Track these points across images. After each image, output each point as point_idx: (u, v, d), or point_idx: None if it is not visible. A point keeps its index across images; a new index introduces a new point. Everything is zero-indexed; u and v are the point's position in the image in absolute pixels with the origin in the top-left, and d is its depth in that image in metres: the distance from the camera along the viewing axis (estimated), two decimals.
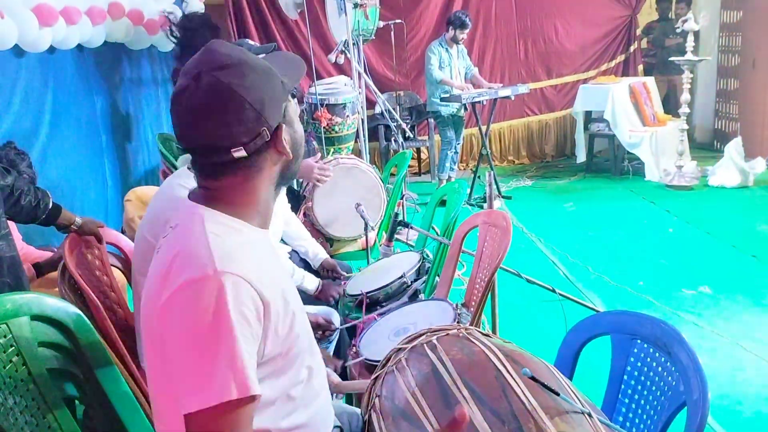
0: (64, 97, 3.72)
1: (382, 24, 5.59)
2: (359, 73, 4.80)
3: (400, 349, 1.51)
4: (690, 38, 5.97)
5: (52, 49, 3.45)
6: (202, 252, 1.09)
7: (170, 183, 1.95)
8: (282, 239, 2.83)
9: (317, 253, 2.88)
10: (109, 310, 1.95)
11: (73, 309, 1.37)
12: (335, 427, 1.47)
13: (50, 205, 2.21)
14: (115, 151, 4.35)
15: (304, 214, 3.33)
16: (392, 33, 6.37)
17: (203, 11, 4.99)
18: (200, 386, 1.03)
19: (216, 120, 1.13)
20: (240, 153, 1.14)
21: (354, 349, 2.10)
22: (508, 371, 1.19)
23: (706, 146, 7.91)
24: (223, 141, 1.14)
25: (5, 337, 1.25)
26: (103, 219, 2.74)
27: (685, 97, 6.20)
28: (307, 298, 2.65)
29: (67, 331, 1.36)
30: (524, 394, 1.12)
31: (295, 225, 2.90)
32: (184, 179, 1.88)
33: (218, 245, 1.11)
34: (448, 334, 1.44)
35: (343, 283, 2.74)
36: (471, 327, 1.53)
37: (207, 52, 1.17)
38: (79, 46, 3.72)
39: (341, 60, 4.77)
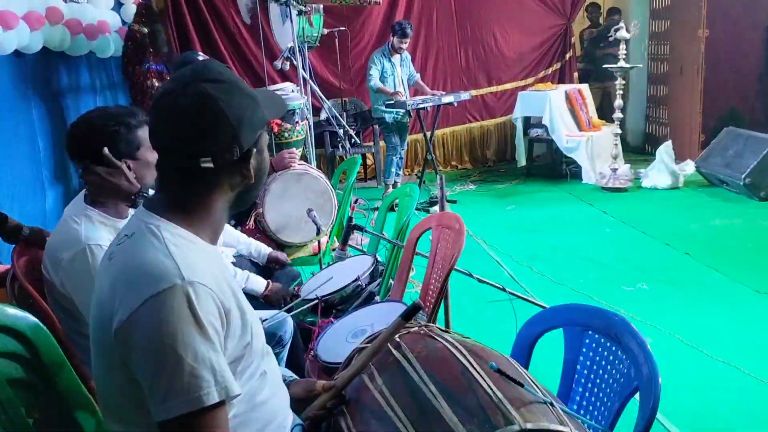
0: (0, 105, 3.59)
1: (326, 31, 5.62)
2: (305, 80, 4.81)
3: (362, 348, 1.54)
4: (622, 46, 6.24)
5: None
6: (167, 263, 1.12)
7: (64, 219, 1.90)
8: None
9: (260, 249, 2.88)
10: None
11: (32, 318, 1.35)
12: (297, 425, 1.48)
13: None
14: (53, 158, 4.21)
15: (255, 220, 3.31)
16: (336, 40, 6.41)
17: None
18: (179, 392, 1.05)
19: (192, 126, 1.17)
20: (207, 164, 1.18)
21: (312, 353, 2.11)
22: (472, 365, 1.23)
23: (639, 150, 8.26)
24: (192, 147, 1.18)
25: None
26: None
27: (618, 102, 6.47)
28: (258, 304, 2.63)
29: (25, 341, 1.33)
30: (490, 387, 1.16)
31: (229, 230, 2.89)
32: (76, 212, 1.87)
33: (181, 256, 1.14)
34: (409, 332, 1.48)
35: (296, 289, 2.74)
36: (431, 324, 1.58)
37: (202, 66, 1.23)
38: (16, 52, 3.60)
39: (287, 67, 4.78)
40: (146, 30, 4.50)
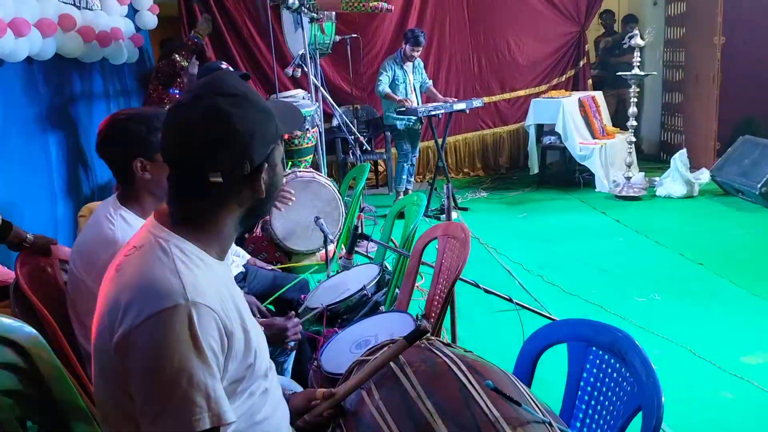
0: (12, 111, 3.61)
1: (338, 38, 5.63)
2: (316, 87, 4.81)
3: (362, 361, 1.52)
4: (636, 54, 6.19)
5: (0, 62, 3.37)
6: (173, 281, 1.10)
7: (98, 219, 1.87)
8: None
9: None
10: (62, 328, 1.91)
11: (29, 328, 1.35)
12: None
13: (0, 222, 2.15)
14: (65, 165, 4.24)
15: (262, 227, 3.31)
16: (348, 47, 6.42)
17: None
18: (170, 415, 1.04)
19: (202, 140, 1.15)
20: (216, 178, 1.16)
21: (315, 363, 2.10)
22: (470, 382, 1.21)
23: (653, 158, 8.19)
24: (202, 161, 1.16)
25: None
26: (53, 236, 2.66)
27: (632, 110, 6.41)
28: None
29: (22, 352, 1.33)
30: (487, 406, 1.14)
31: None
32: (111, 213, 1.85)
33: (188, 274, 1.12)
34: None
35: (302, 297, 2.73)
36: (432, 337, 1.55)
37: (215, 78, 1.21)
38: (29, 59, 3.63)
39: (298, 74, 4.78)
40: (186, 64, 4.47)
